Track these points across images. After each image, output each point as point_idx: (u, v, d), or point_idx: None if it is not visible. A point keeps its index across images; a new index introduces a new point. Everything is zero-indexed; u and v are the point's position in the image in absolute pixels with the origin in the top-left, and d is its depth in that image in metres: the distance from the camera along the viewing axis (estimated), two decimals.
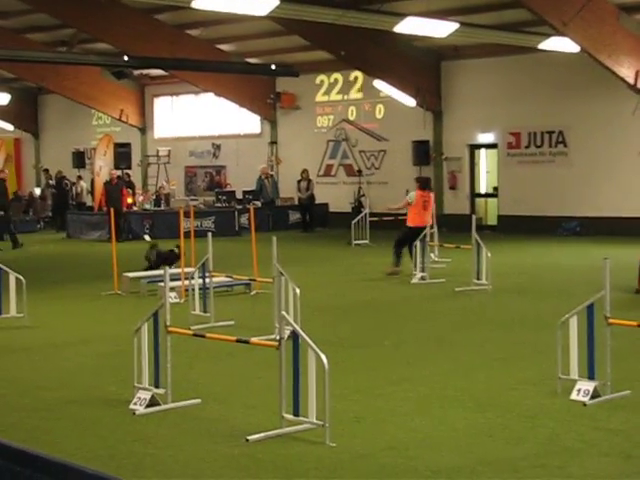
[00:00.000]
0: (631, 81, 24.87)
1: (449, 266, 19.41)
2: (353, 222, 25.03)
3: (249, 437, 7.46)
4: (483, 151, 30.01)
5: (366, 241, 24.70)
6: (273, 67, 30.51)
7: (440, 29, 23.32)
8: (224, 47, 31.93)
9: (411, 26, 22.81)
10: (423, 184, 19.03)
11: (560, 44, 24.03)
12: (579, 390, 8.58)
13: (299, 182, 31.00)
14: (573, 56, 24.99)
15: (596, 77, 25.65)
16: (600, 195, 26.87)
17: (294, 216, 31.40)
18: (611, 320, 8.60)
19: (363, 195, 31.16)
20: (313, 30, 25.73)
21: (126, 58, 28.07)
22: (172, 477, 6.80)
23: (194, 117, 36.78)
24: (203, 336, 9.20)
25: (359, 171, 31.68)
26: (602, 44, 23.97)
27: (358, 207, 29.63)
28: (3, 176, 27.60)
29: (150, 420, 8.20)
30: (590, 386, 8.54)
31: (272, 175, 32.38)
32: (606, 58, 24.19)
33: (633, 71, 24.81)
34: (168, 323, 8.51)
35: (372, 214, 26.04)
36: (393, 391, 9.14)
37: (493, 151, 29.49)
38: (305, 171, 31.17)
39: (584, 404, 8.38)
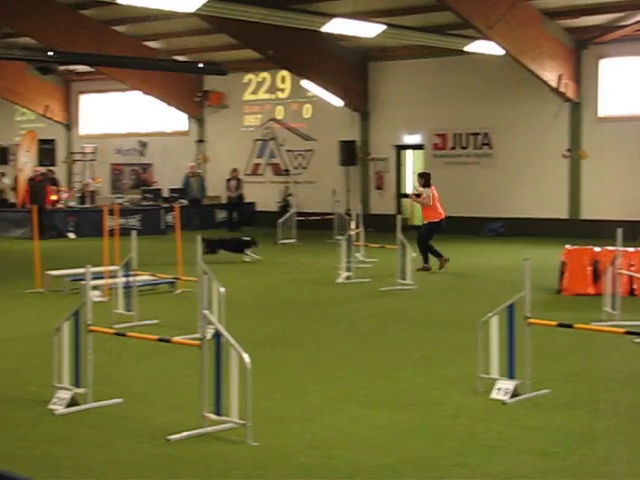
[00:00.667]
0: (554, 84, 25.26)
1: (375, 266, 19.50)
2: (280, 221, 25.00)
3: (170, 437, 7.40)
4: (410, 152, 30.20)
5: (293, 240, 24.70)
6: (201, 65, 30.33)
7: (367, 30, 23.44)
8: (151, 44, 31.72)
9: (338, 26, 22.89)
10: (429, 180, 19.38)
11: (485, 47, 24.31)
12: (499, 389, 8.67)
13: (228, 181, 30.90)
14: (498, 59, 25.31)
15: (520, 80, 26.00)
16: (524, 196, 27.23)
17: (221, 215, 31.29)
18: (531, 320, 8.70)
19: (290, 194, 31.16)
20: (241, 29, 25.66)
21: (51, 53, 27.67)
22: (91, 478, 6.70)
23: (121, 114, 36.45)
24: (125, 335, 9.11)
25: (286, 170, 31.69)
26: (526, 48, 24.32)
27: (285, 206, 29.61)
28: None
29: (70, 420, 8.08)
30: (510, 385, 8.63)
31: (199, 173, 32.22)
32: (530, 62, 24.54)
33: (556, 75, 25.20)
34: (90, 322, 8.40)
35: (299, 213, 26.07)
36: (316, 390, 9.14)
37: (419, 152, 29.71)
38: (235, 170, 31.10)
39: (504, 403, 8.47)
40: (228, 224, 30.31)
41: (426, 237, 18.89)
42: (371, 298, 15.62)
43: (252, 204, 31.97)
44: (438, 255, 18.73)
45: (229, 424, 7.53)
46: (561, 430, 7.68)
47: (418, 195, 19.26)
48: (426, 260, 18.70)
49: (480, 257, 21.90)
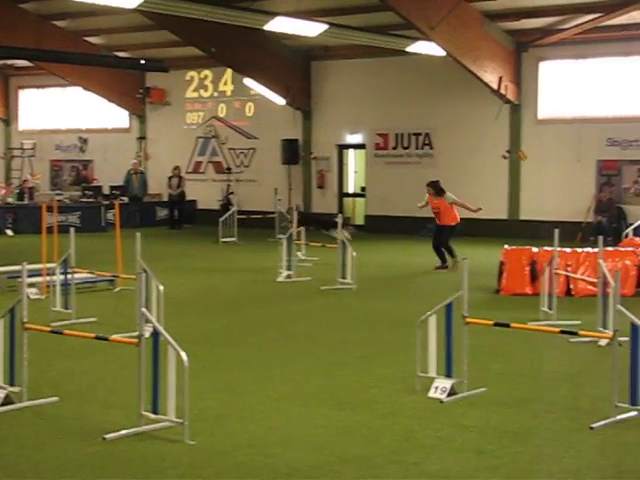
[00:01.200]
0: (494, 86, 25.48)
1: (315, 265, 19.53)
2: (221, 219, 24.94)
3: (106, 436, 7.35)
4: (351, 151, 30.28)
5: (234, 239, 24.64)
6: (142, 62, 30.15)
7: (310, 29, 23.46)
8: (93, 40, 31.42)
9: (281, 25, 22.86)
10: (440, 186, 19.82)
11: (427, 48, 24.45)
12: (437, 388, 8.74)
13: (170, 178, 30.75)
14: (439, 60, 25.46)
15: (461, 81, 26.19)
16: (464, 197, 27.21)
17: (162, 212, 31.14)
18: (468, 319, 8.77)
19: (232, 193, 31.07)
20: (183, 26, 25.53)
21: None
22: (25, 477, 6.63)
23: (61, 110, 36.08)
24: (61, 333, 9.02)
25: (228, 168, 31.59)
26: (467, 49, 24.49)
27: (226, 204, 29.52)
28: None
29: (4, 419, 7.98)
30: (447, 384, 8.70)
31: (141, 171, 32.01)
32: (471, 63, 24.72)
33: (496, 76, 25.42)
34: (25, 319, 8.31)
35: (240, 212, 26.02)
36: (254, 389, 9.13)
37: (361, 151, 29.80)
38: (177, 167, 30.97)
39: (441, 401, 8.54)
40: (169, 222, 30.18)
41: (447, 238, 19.29)
42: (311, 297, 15.64)
43: (193, 202, 31.85)
44: (452, 253, 19.10)
45: (166, 423, 7.50)
46: (496, 428, 7.77)
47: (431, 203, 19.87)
48: (444, 259, 19.12)
49: (420, 257, 22.00)
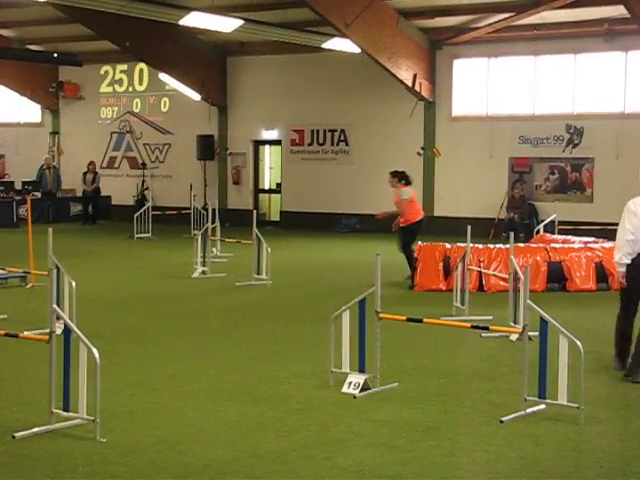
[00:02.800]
0: (409, 83, 25.69)
1: (230, 261, 19.49)
2: (136, 215, 24.72)
3: (16, 434, 7.24)
4: (267, 147, 30.27)
5: (148, 235, 24.45)
6: (55, 55, 29.73)
7: (225, 24, 23.41)
8: (4, 32, 30.93)
9: (196, 20, 22.79)
10: (407, 178, 16.84)
11: (342, 44, 24.56)
12: (350, 383, 8.79)
13: (85, 174, 30.38)
14: (355, 57, 25.59)
15: (377, 78, 26.35)
16: (379, 193, 27.53)
17: (76, 208, 30.76)
18: (381, 315, 8.84)
19: (147, 188, 30.82)
20: (97, 19, 25.21)
21: None
22: None
23: None
24: None
25: (143, 164, 31.33)
26: (382, 46, 24.64)
27: (141, 200, 29.27)
28: None
29: None
30: (360, 379, 8.76)
31: (54, 166, 31.57)
32: (386, 60, 24.89)
33: (411, 74, 25.64)
34: None
35: (155, 207, 25.84)
36: (167, 385, 9.08)
37: (277, 147, 29.81)
38: (92, 163, 30.63)
39: (354, 396, 8.59)
40: (83, 217, 29.83)
41: (411, 240, 16.44)
42: (226, 293, 15.61)
43: (108, 197, 31.51)
44: (413, 261, 16.12)
45: (77, 420, 7.42)
46: (408, 423, 7.84)
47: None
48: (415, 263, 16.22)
49: (336, 252, 22.14)
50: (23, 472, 6.59)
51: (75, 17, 26.04)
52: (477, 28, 25.26)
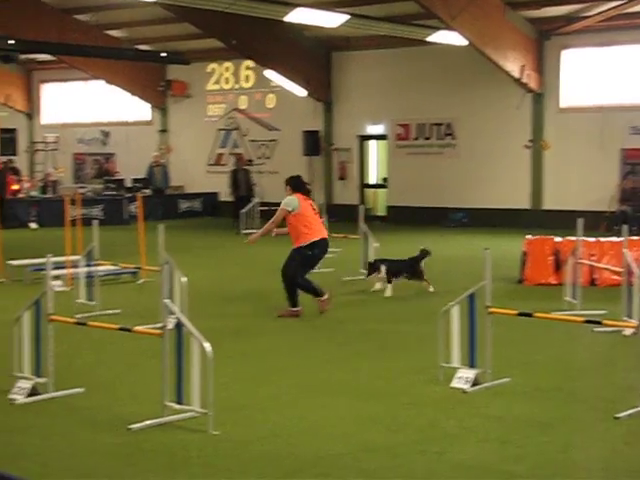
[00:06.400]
0: (516, 75, 25.38)
1: (338, 256, 19.48)
2: (242, 211, 24.93)
3: (131, 426, 7.39)
4: (373, 142, 30.24)
5: (255, 230, 24.58)
6: (164, 55, 30.22)
7: (330, 19, 23.43)
8: (114, 33, 31.51)
9: (301, 16, 22.86)
10: (299, 184, 13.30)
11: (448, 37, 24.37)
12: (460, 378, 8.72)
13: (235, 173, 27.94)
14: (461, 49, 25.36)
15: (483, 71, 26.09)
16: (486, 187, 27.36)
17: (184, 205, 31.24)
18: (491, 309, 8.75)
19: (254, 184, 31.04)
20: (204, 18, 25.57)
21: (12, 42, 27.42)
22: (51, 467, 6.68)
23: (83, 103, 36.22)
24: (86, 324, 9.07)
25: (250, 160, 31.59)
26: (488, 38, 24.39)
27: (248, 196, 29.49)
28: None
29: (30, 410, 8.05)
30: (471, 374, 8.69)
31: (163, 163, 32.08)
32: (492, 52, 24.63)
33: (518, 65, 25.32)
34: (50, 311, 8.37)
35: (262, 203, 26.02)
36: (276, 379, 9.15)
37: (383, 142, 29.75)
38: (240, 158, 29.27)
39: (464, 391, 8.53)
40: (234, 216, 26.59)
41: (298, 268, 12.85)
42: (334, 287, 15.60)
43: (215, 194, 31.90)
44: (316, 293, 13.02)
45: (190, 413, 7.53)
46: (520, 418, 7.75)
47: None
48: (294, 302, 12.83)
49: (442, 247, 21.94)
50: (139, 463, 6.72)
51: (183, 16, 26.44)
52: (587, 17, 24.79)
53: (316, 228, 12.87)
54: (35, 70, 37.17)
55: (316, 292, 12.94)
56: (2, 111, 37.09)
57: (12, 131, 32.23)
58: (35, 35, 28.04)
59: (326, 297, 12.93)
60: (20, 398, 8.24)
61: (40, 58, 35.34)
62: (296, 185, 13.14)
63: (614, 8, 23.83)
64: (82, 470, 6.56)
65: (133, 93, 33.74)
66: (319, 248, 12.89)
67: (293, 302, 12.77)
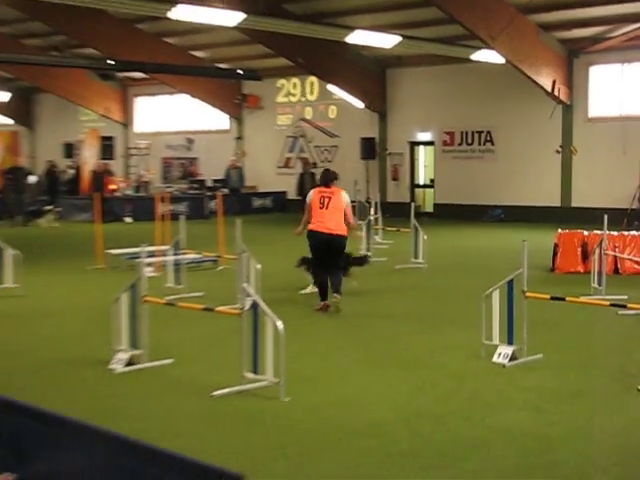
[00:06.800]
0: (548, 89, 25.08)
1: (391, 247, 19.45)
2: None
3: (214, 393, 7.45)
4: (422, 147, 30.08)
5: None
6: (240, 72, 30.32)
7: (385, 41, 23.33)
8: (197, 53, 31.71)
9: (360, 38, 22.81)
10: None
11: (489, 56, 24.14)
12: (500, 354, 8.67)
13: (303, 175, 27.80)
14: (500, 66, 25.12)
15: (519, 85, 25.82)
16: (521, 187, 27.11)
17: (257, 202, 31.39)
18: (528, 294, 8.68)
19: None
20: (275, 40, 25.61)
21: (111, 62, 27.74)
22: (148, 427, 6.72)
23: (171, 114, 36.51)
24: (175, 305, 9.17)
25: (314, 164, 31.58)
26: (524, 56, 24.14)
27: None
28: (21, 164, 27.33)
29: (127, 378, 8.16)
30: (509, 350, 8.63)
31: (239, 166, 32.23)
32: (527, 69, 24.37)
33: (550, 80, 25.01)
34: (144, 293, 8.47)
35: None
36: (338, 354, 9.16)
37: (430, 147, 29.58)
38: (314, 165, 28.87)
39: (503, 366, 8.47)
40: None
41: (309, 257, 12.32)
42: (387, 275, 15.60)
43: (284, 193, 32.00)
44: (320, 291, 11.97)
45: (265, 382, 7.57)
46: (552, 389, 7.68)
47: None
48: (336, 289, 11.85)
49: (483, 239, 21.83)
50: (221, 425, 6.77)
51: (257, 39, 26.50)
52: (611, 37, 24.40)
53: (315, 220, 11.74)
54: (130, 86, 37.53)
55: (320, 291, 11.91)
56: (102, 121, 37.60)
57: (110, 139, 32.55)
58: (130, 56, 28.33)
59: (325, 303, 11.73)
60: (119, 367, 8.36)
61: (134, 75, 35.68)
62: (320, 178, 12.42)
63: (636, 29, 23.41)
64: (173, 430, 6.63)
65: (213, 105, 33.93)
66: (312, 239, 11.79)
67: (335, 289, 11.75)
